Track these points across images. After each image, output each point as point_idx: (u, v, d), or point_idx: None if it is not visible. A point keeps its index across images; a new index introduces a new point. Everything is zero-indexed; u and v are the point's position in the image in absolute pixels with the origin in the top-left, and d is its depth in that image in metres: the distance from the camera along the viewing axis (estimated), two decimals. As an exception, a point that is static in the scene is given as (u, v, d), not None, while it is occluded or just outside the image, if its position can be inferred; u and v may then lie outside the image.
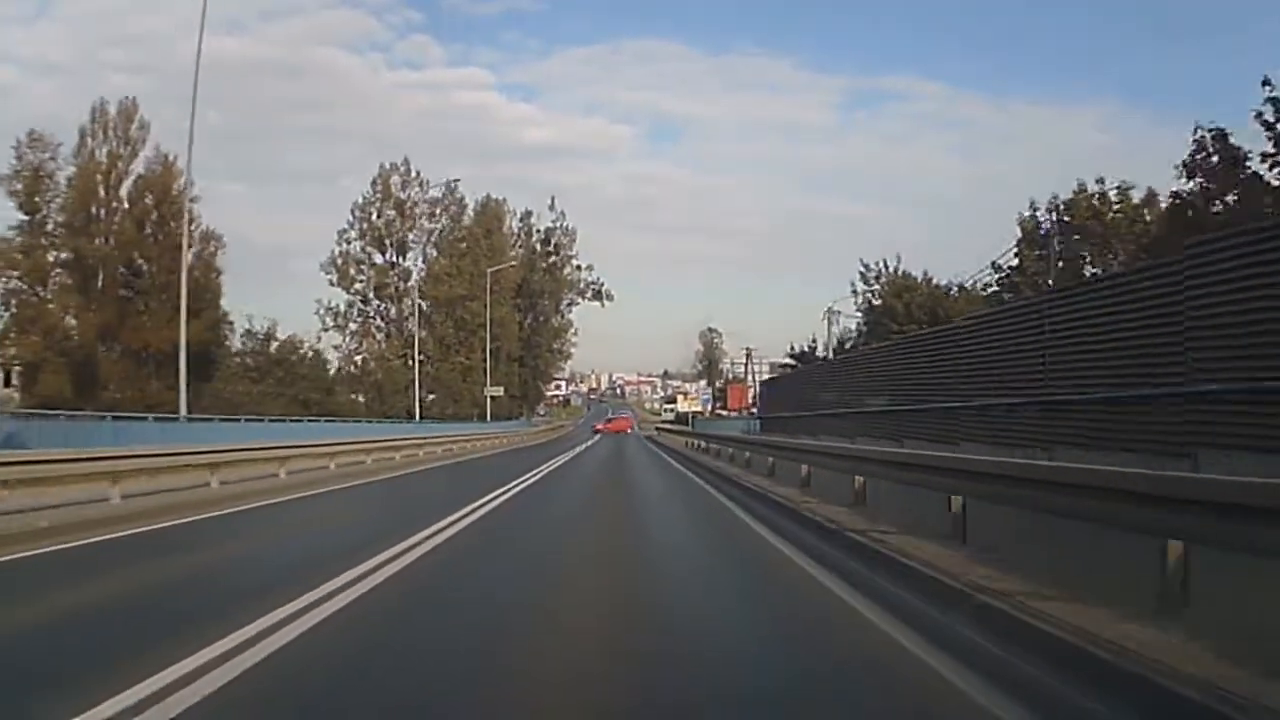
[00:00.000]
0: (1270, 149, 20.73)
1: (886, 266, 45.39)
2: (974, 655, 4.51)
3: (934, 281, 43.31)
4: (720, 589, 6.94)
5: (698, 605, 6.20)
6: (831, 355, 47.52)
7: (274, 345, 47.36)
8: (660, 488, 17.53)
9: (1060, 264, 26.10)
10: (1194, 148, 22.65)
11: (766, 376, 61.03)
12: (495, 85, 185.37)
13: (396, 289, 61.76)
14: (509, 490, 15.19)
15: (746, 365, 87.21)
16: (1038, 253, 29.00)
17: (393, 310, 63.22)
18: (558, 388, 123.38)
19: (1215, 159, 22.27)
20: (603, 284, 72.24)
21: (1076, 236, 26.22)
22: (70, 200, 45.79)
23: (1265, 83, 20.25)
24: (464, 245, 64.18)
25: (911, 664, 4.45)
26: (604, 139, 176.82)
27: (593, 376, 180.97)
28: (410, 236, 63.78)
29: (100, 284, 46.38)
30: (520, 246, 71.76)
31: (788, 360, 58.67)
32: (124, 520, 10.44)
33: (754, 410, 75.53)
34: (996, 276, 31.69)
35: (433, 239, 65.65)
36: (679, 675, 4.36)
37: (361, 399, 59.68)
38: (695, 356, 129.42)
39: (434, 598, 6.36)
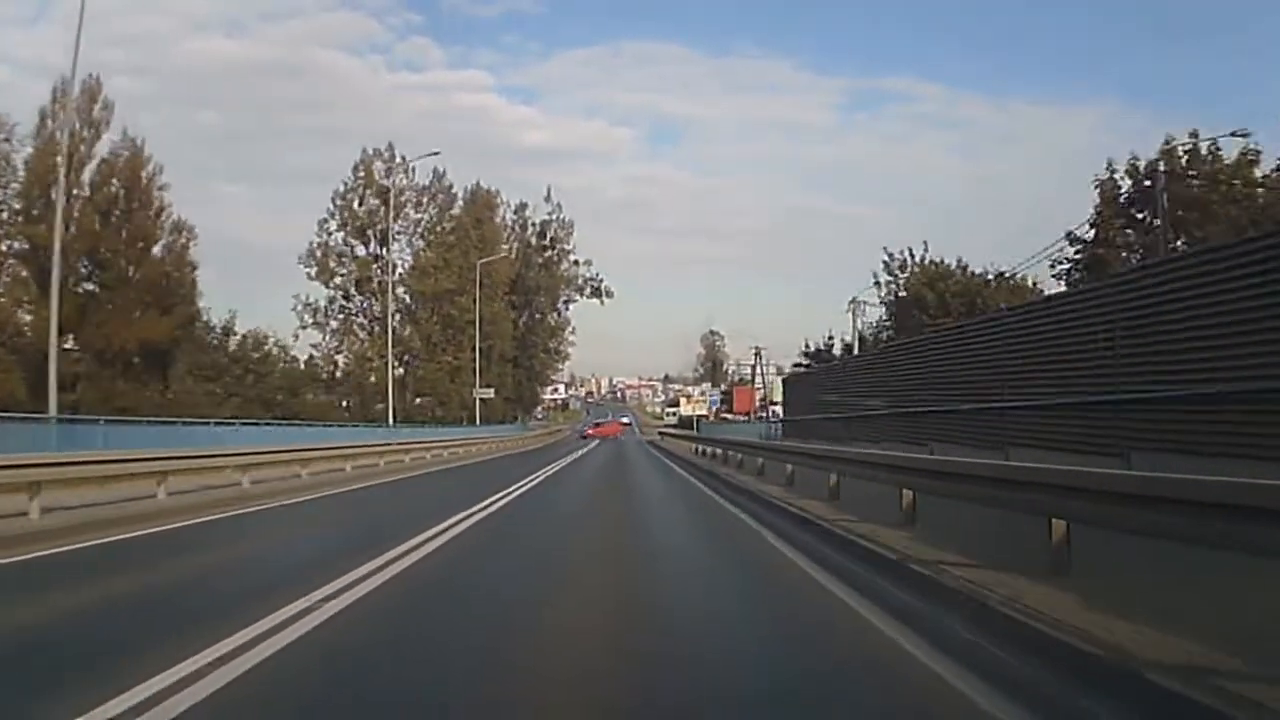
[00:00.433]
0: None
1: (912, 255, 40.89)
2: None
3: (968, 269, 38.89)
4: None
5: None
6: (856, 350, 43.07)
7: (232, 341, 42.44)
8: (681, 537, 10.65)
9: (1157, 228, 21.40)
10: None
11: (788, 373, 56.41)
12: (495, 87, 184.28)
13: (380, 283, 56.26)
14: (471, 517, 10.78)
15: (754, 366, 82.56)
16: (1139, 214, 24.37)
17: (375, 307, 57.33)
18: (555, 391, 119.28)
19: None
20: (602, 280, 67.69)
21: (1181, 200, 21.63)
22: (26, 184, 40.95)
23: None
24: (452, 237, 59.23)
25: None
26: (604, 141, 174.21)
27: (593, 380, 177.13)
28: (395, 227, 58.47)
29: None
30: (514, 240, 67.21)
31: (801, 360, 54.27)
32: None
33: (762, 415, 71.54)
34: (1073, 250, 27.03)
35: (419, 229, 60.60)
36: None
37: (345, 403, 55.45)
38: (697, 360, 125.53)
39: None
